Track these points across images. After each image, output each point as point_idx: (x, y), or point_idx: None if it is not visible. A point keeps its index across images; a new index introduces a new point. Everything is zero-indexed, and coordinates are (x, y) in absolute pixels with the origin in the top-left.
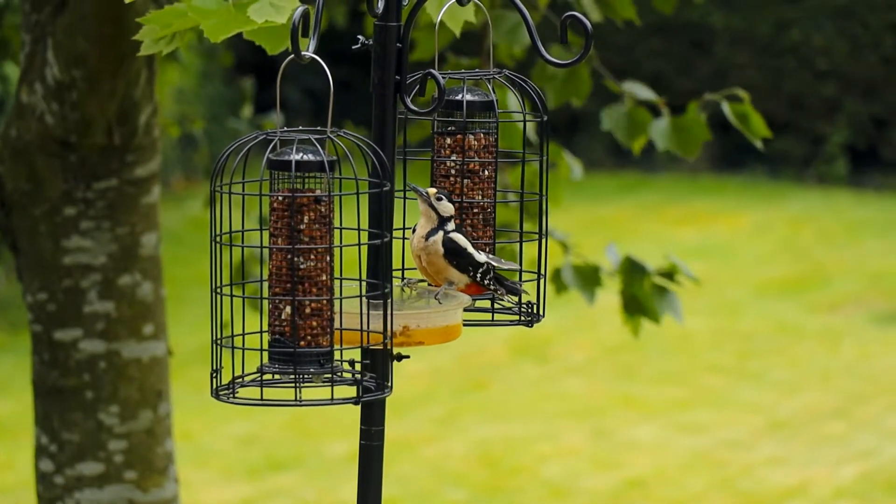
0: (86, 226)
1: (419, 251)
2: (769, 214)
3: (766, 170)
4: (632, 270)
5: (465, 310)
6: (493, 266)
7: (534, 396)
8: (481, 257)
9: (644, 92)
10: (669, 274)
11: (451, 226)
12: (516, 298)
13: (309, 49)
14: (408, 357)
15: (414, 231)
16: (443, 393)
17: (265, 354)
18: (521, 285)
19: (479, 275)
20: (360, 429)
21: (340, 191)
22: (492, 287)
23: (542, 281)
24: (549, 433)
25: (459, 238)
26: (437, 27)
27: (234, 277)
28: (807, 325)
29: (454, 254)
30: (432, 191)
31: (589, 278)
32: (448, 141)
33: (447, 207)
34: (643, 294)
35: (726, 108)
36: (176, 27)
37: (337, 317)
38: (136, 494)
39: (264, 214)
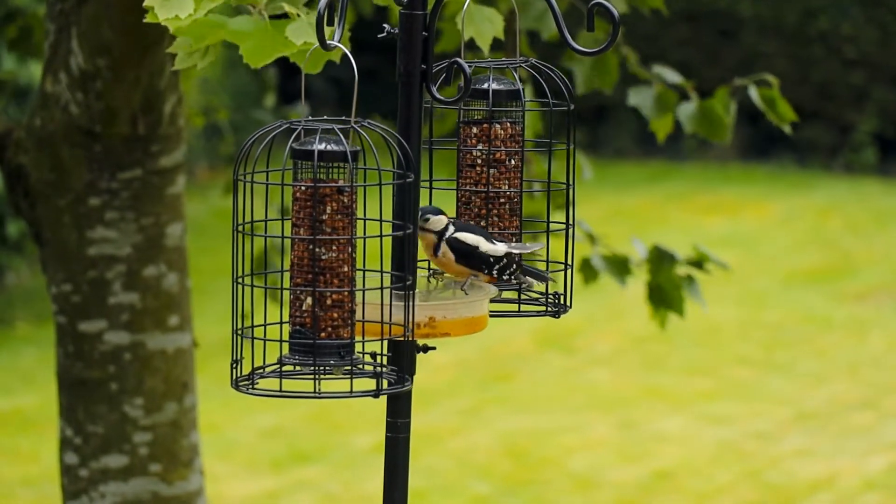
0: (110, 216)
1: (438, 266)
2: (797, 203)
3: (793, 158)
4: (660, 259)
5: (492, 301)
6: (515, 255)
7: (560, 388)
8: (499, 249)
9: (672, 76)
10: (698, 262)
11: (450, 230)
12: (543, 287)
13: (335, 38)
14: (433, 348)
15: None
16: (469, 384)
17: (286, 346)
18: (549, 275)
19: (494, 271)
20: (387, 421)
21: (364, 181)
22: (513, 281)
23: (568, 271)
24: (575, 425)
25: (465, 237)
26: (462, 15)
27: (256, 267)
28: (835, 316)
29: (463, 255)
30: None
31: (619, 267)
32: (474, 130)
33: (437, 221)
34: (670, 285)
35: (754, 92)
36: (210, 40)
37: (359, 308)
38: (160, 487)
39: (286, 204)
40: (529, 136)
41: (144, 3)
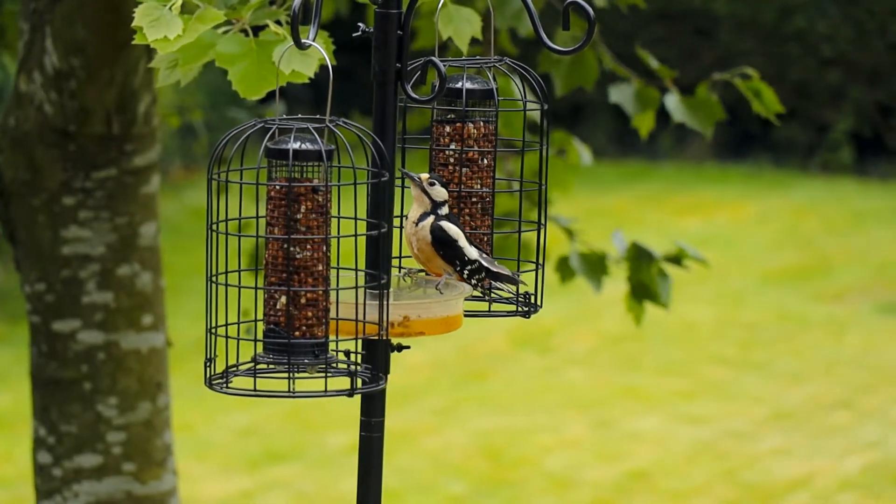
0: (84, 216)
1: (410, 236)
2: (773, 203)
3: (770, 158)
4: (639, 257)
5: (465, 300)
6: (485, 266)
7: (535, 387)
8: (472, 253)
9: (653, 61)
10: (677, 258)
11: (443, 210)
12: (514, 288)
13: (309, 37)
14: (408, 347)
15: (408, 217)
16: (443, 384)
17: (260, 345)
18: (518, 276)
19: (465, 271)
20: (360, 420)
21: (339, 180)
22: (478, 288)
23: (540, 271)
24: (550, 425)
25: (450, 227)
26: (437, 15)
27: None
28: (811, 315)
29: (442, 243)
30: (425, 176)
31: (595, 266)
32: (447, 129)
33: (440, 192)
34: (650, 279)
35: (739, 84)
36: (197, 62)
37: (333, 307)
38: (134, 487)
39: (260, 204)
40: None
41: (133, 24)
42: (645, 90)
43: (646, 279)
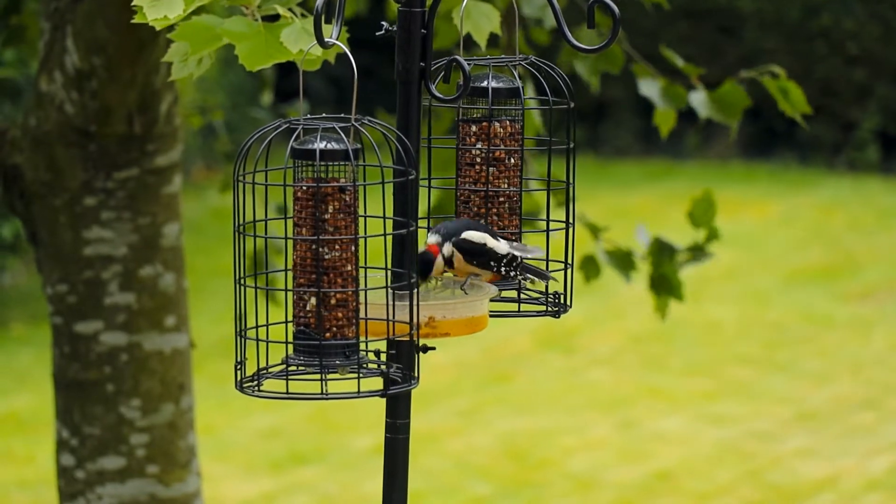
0: (106, 216)
1: (450, 270)
2: (799, 202)
3: (795, 157)
4: (661, 251)
5: (492, 300)
6: (517, 255)
7: (560, 388)
8: (502, 247)
9: (678, 60)
10: (700, 249)
11: (447, 249)
12: (542, 286)
13: (332, 36)
14: (433, 349)
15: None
16: (468, 385)
17: (289, 346)
18: (549, 274)
19: (502, 268)
20: (386, 422)
21: (365, 180)
22: (519, 277)
23: (569, 270)
24: (575, 425)
25: (472, 235)
26: (461, 11)
27: (253, 268)
28: (837, 315)
29: (472, 254)
30: (423, 249)
31: (622, 262)
32: (473, 129)
33: (432, 240)
34: (672, 272)
35: (767, 83)
36: (208, 47)
37: (362, 308)
38: (157, 489)
39: (287, 204)
40: (529, 135)
41: (133, 4)
42: (671, 87)
43: (668, 272)
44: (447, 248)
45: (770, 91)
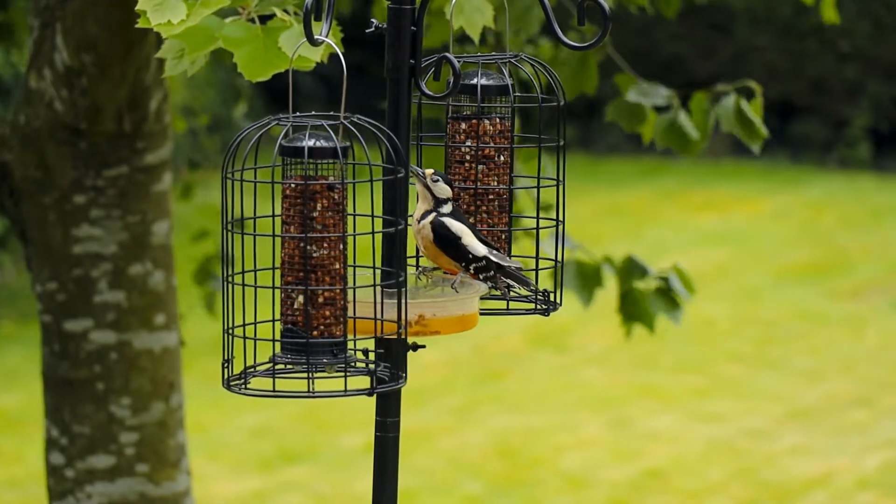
0: (96, 214)
1: (416, 234)
2: (790, 199)
3: (787, 154)
4: (631, 270)
5: (481, 298)
6: (494, 263)
7: (552, 386)
8: (480, 250)
9: (656, 96)
10: (665, 280)
11: (446, 208)
12: (524, 290)
13: (322, 33)
14: (423, 347)
15: (413, 215)
16: (459, 383)
17: (277, 345)
18: (530, 279)
19: (472, 268)
20: (376, 420)
21: (354, 177)
22: (489, 285)
23: (559, 268)
24: (567, 424)
25: (452, 224)
26: (451, 10)
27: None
28: (829, 312)
29: (444, 241)
30: (429, 171)
31: (590, 278)
32: (463, 126)
33: (443, 189)
34: (641, 297)
35: (730, 103)
36: (204, 49)
37: (350, 306)
38: (147, 487)
39: (276, 202)
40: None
41: (136, 8)
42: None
43: (637, 296)
44: (428, 217)
45: (727, 122)
